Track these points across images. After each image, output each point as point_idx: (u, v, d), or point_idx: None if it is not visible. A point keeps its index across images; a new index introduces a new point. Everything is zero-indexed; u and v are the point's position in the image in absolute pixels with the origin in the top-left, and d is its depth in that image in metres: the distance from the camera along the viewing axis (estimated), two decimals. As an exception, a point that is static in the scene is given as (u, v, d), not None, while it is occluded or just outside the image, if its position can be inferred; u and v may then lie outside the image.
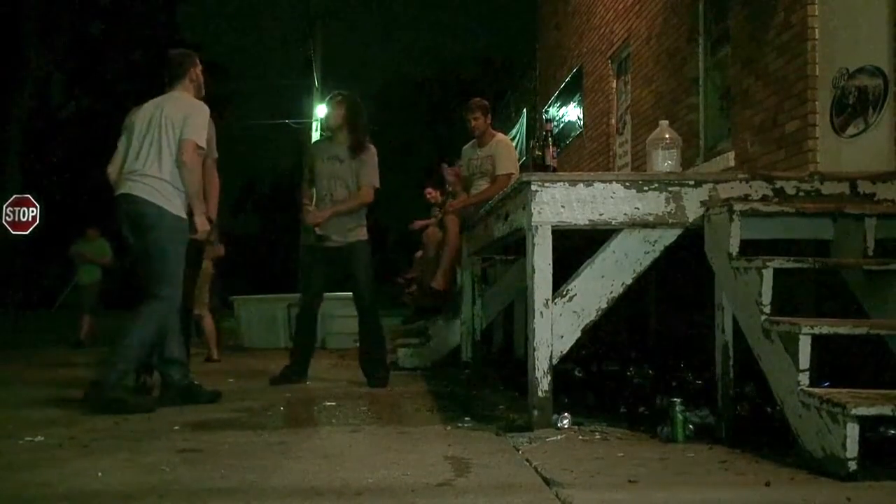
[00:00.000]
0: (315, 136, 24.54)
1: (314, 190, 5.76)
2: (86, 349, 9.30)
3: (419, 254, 8.79)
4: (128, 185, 4.55)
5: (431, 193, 9.97)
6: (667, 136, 4.27)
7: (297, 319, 5.95)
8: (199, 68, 4.86)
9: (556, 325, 3.68)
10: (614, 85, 9.46)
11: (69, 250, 11.11)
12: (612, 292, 3.76)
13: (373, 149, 5.72)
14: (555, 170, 4.41)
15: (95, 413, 4.14)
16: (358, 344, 5.86)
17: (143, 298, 4.47)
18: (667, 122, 4.48)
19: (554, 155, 4.45)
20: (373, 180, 5.64)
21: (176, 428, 3.83)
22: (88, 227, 11.01)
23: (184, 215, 4.59)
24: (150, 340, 4.48)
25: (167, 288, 4.45)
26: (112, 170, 4.71)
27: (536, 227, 3.73)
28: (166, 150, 4.53)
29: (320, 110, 24.57)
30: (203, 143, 4.61)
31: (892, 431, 3.07)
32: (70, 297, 11.13)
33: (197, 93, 4.83)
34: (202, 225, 4.67)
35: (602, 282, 3.75)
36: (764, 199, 3.74)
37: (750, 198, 3.73)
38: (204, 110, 4.67)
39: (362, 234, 5.66)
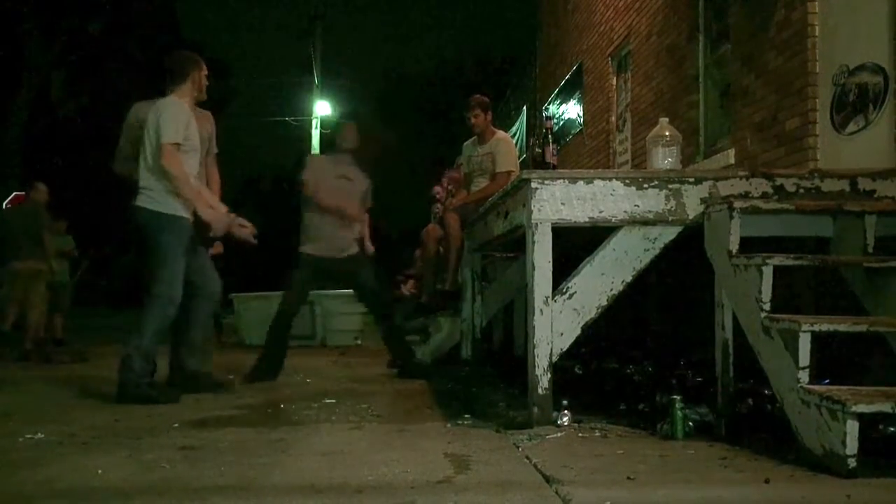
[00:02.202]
0: (315, 133, 24.55)
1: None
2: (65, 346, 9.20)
3: (419, 251, 8.79)
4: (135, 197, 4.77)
5: (439, 192, 9.95)
6: (667, 133, 4.27)
7: (277, 322, 5.88)
8: (203, 72, 4.95)
9: (556, 323, 3.68)
10: (614, 82, 9.46)
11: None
12: (612, 290, 3.76)
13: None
14: (555, 167, 4.41)
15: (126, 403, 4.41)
16: (384, 344, 6.28)
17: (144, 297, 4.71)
18: (667, 119, 4.48)
19: (554, 152, 4.46)
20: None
21: (175, 425, 3.83)
22: (57, 218, 9.93)
23: (182, 214, 4.70)
24: (159, 335, 4.72)
25: (162, 286, 4.62)
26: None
27: (536, 225, 3.73)
28: (150, 157, 4.69)
29: (320, 107, 24.61)
30: (177, 139, 4.65)
31: (892, 429, 3.07)
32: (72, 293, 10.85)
33: (198, 96, 4.95)
34: (211, 218, 4.81)
35: (602, 279, 3.75)
36: (764, 196, 3.74)
37: (750, 195, 3.73)
38: (172, 105, 4.71)
39: (357, 246, 5.95)
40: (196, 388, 4.86)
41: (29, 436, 3.54)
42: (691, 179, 3.81)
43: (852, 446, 2.69)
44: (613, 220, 3.78)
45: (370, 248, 6.11)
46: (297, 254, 5.90)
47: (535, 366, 3.66)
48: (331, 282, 6.44)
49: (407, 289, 10.07)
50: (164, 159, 4.60)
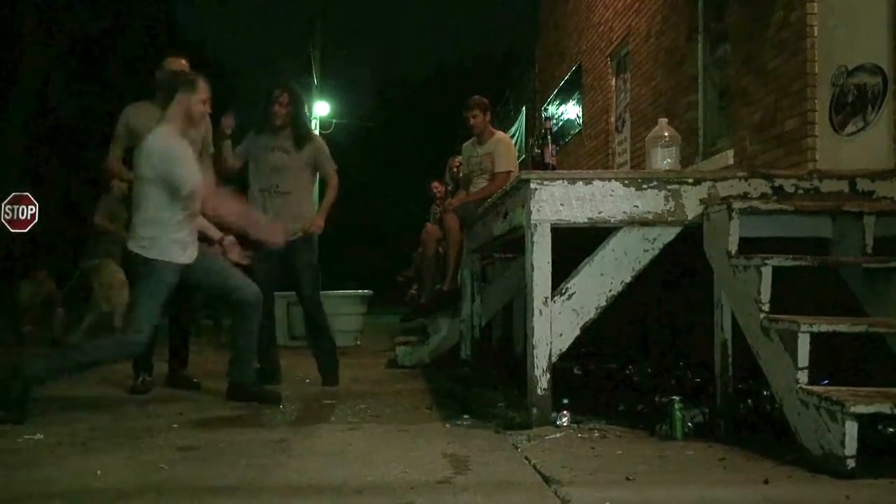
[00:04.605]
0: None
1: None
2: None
3: (418, 252, 8.80)
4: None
5: (437, 187, 9.97)
6: (666, 133, 4.27)
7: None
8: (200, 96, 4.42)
9: (556, 323, 3.68)
10: (613, 83, 9.46)
11: (20, 292, 10.26)
12: (611, 290, 3.77)
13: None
14: (554, 168, 4.41)
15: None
16: (312, 346, 5.64)
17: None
18: (666, 119, 4.48)
19: (553, 153, 4.46)
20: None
21: (175, 426, 3.83)
22: (35, 269, 10.38)
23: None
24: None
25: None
26: None
27: (535, 226, 3.73)
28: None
29: (319, 108, 24.64)
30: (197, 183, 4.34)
31: (891, 429, 3.07)
32: (69, 294, 10.94)
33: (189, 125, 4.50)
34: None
35: (601, 280, 3.76)
36: (763, 197, 3.75)
37: (749, 196, 3.74)
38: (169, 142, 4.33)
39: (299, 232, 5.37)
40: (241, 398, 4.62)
41: (28, 436, 3.54)
42: (690, 180, 3.82)
43: (851, 447, 2.69)
44: (612, 220, 3.78)
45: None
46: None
47: (534, 366, 3.67)
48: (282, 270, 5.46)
49: (411, 292, 10.08)
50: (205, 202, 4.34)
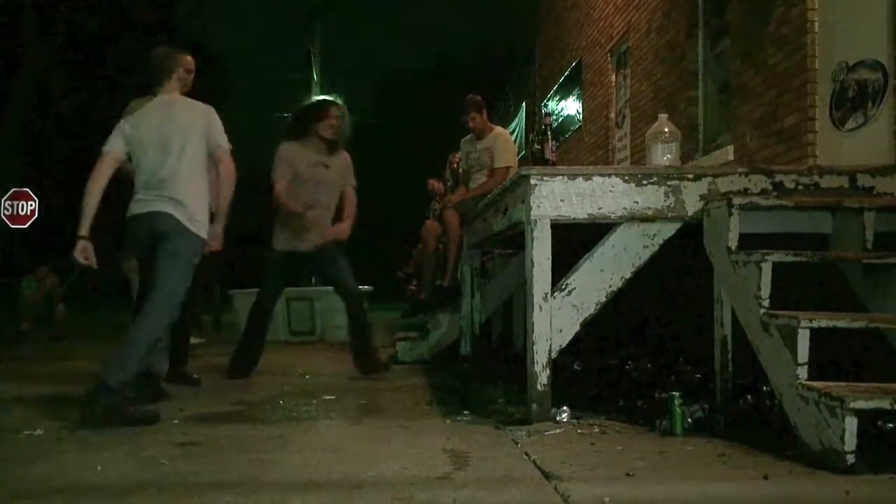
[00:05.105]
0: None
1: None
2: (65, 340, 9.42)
3: (418, 248, 8.80)
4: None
5: (436, 184, 9.98)
6: (666, 129, 4.26)
7: (254, 319, 5.75)
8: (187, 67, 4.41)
9: (555, 319, 3.68)
10: (613, 78, 9.45)
11: (20, 288, 10.55)
12: (611, 286, 3.76)
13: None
14: (554, 163, 4.40)
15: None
16: (350, 337, 5.84)
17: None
18: (666, 115, 4.47)
19: (553, 149, 4.45)
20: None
21: (175, 422, 3.83)
22: (37, 264, 10.54)
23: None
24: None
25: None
26: None
27: (535, 221, 3.72)
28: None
29: (319, 104, 24.50)
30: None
31: (891, 425, 3.08)
32: (70, 290, 11.00)
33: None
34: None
35: (601, 276, 3.75)
36: (763, 192, 3.74)
37: (749, 192, 3.73)
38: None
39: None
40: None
41: (28, 432, 3.55)
42: (690, 176, 3.81)
43: (851, 442, 2.69)
44: (612, 216, 3.78)
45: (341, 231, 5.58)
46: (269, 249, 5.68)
47: (533, 362, 3.67)
48: (303, 276, 6.07)
49: (412, 288, 10.08)
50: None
